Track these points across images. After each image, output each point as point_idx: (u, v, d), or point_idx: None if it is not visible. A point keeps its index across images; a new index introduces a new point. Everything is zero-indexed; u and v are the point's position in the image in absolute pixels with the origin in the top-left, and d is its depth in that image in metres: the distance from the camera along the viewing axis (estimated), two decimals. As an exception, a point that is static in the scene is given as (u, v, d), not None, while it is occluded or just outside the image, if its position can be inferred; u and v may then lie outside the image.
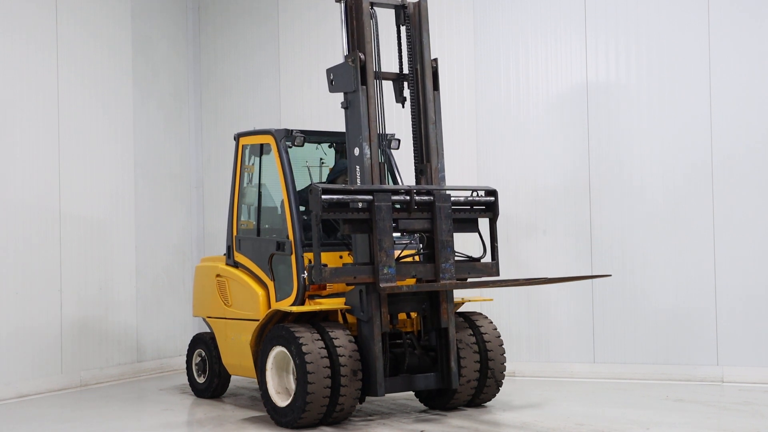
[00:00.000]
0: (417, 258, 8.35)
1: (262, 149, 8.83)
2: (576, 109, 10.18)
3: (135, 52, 11.52)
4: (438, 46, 10.00)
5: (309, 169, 8.94)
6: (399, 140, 9.05)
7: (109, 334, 10.92)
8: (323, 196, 7.44)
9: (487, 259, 8.27)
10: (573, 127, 10.19)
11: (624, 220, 9.92)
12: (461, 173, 10.40)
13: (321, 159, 9.41)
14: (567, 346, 10.20)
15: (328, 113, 11.35)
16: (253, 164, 8.96)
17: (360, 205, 7.64)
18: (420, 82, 8.18)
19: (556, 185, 10.27)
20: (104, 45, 11.09)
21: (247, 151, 9.03)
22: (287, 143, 8.53)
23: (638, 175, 9.89)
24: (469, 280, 8.22)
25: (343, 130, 8.07)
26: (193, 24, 12.50)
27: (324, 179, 9.26)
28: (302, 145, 8.59)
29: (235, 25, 12.29)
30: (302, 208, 8.63)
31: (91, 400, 9.64)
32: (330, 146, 9.45)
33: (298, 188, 8.55)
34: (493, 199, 8.20)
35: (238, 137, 9.14)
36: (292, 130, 8.59)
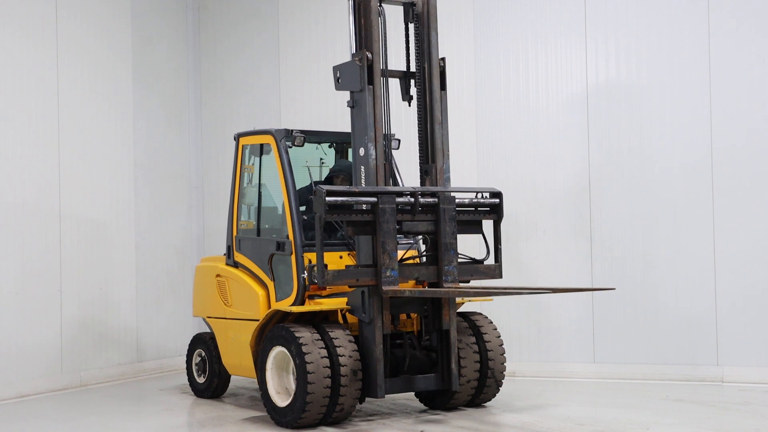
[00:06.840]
0: (417, 260, 8.35)
1: (262, 149, 8.82)
2: (576, 110, 10.18)
3: (135, 52, 11.52)
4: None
5: (309, 169, 8.93)
6: (399, 140, 9.02)
7: (109, 334, 10.91)
8: (327, 198, 7.41)
9: (490, 261, 8.27)
10: (573, 127, 10.19)
11: (624, 221, 9.92)
12: (461, 173, 10.39)
13: (321, 159, 9.41)
14: (567, 346, 10.20)
15: (328, 113, 11.35)
16: (253, 164, 8.96)
17: (364, 206, 7.60)
18: (427, 81, 8.11)
19: (556, 185, 10.27)
20: (104, 45, 11.09)
21: (247, 151, 9.02)
22: (287, 143, 8.53)
23: (638, 175, 9.89)
24: (471, 282, 8.22)
25: (344, 130, 8.05)
26: (194, 24, 12.50)
27: (324, 179, 9.25)
28: (302, 145, 8.58)
29: (235, 25, 12.28)
30: (302, 208, 8.63)
31: (91, 400, 9.64)
32: (330, 146, 9.45)
33: (298, 188, 8.55)
34: (497, 201, 8.18)
35: (238, 137, 9.13)
36: (292, 130, 8.57)
